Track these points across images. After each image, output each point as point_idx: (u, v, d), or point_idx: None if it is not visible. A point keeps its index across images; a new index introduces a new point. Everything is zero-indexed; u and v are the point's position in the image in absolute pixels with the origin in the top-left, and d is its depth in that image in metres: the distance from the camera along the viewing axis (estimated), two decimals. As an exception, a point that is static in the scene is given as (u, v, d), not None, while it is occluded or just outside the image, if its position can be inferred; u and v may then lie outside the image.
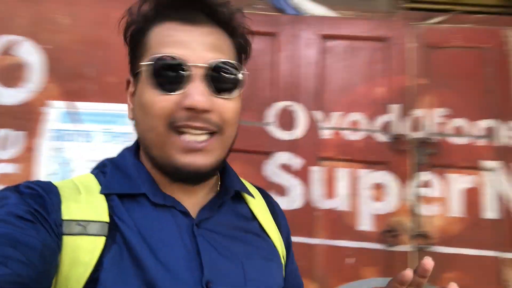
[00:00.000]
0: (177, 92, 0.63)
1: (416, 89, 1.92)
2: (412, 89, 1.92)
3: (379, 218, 1.84)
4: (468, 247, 1.82)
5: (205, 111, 0.63)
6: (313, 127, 1.90)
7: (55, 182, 0.67)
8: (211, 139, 0.65)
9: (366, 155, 1.86)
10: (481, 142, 1.89)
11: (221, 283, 0.64)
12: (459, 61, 1.94)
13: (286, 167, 1.87)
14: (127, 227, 0.63)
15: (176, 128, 0.63)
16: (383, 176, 1.86)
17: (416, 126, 1.89)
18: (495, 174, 1.87)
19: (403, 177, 1.85)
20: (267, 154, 1.89)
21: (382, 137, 1.88)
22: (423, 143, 1.87)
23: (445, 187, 1.87)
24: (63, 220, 0.60)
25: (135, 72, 0.69)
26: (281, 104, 1.92)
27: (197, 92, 0.62)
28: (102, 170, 0.72)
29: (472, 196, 1.86)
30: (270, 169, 1.87)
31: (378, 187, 1.85)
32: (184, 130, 0.63)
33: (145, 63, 0.64)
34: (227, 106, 0.66)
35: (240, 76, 0.68)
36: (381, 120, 1.90)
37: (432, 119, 1.91)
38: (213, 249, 0.67)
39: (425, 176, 1.87)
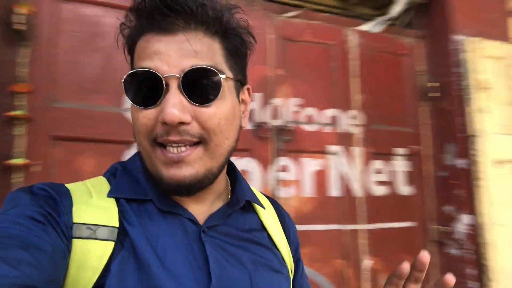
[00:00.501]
0: (154, 106, 0.61)
1: (274, 79, 2.02)
2: (271, 79, 2.01)
3: (244, 203, 1.89)
4: (318, 223, 2.03)
5: (181, 123, 0.61)
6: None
7: (67, 185, 0.67)
8: (194, 149, 0.63)
9: (231, 143, 1.87)
10: (327, 129, 2.12)
11: None
12: (310, 55, 2.12)
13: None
14: (136, 232, 0.62)
15: (159, 143, 0.63)
16: (248, 163, 1.90)
17: (275, 114, 2.00)
18: (337, 157, 2.13)
19: (265, 162, 1.94)
20: (127, 143, 1.71)
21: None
22: (281, 130, 1.99)
23: (299, 171, 2.03)
24: (73, 223, 0.60)
25: None
26: (141, 89, 1.76)
27: (169, 105, 0.60)
28: (114, 173, 0.71)
29: (320, 178, 2.08)
30: (131, 160, 1.71)
31: (243, 173, 1.89)
32: (167, 144, 0.62)
33: (122, 80, 0.63)
34: (208, 114, 0.63)
35: (219, 80, 0.63)
36: (244, 108, 1.93)
37: (288, 108, 2.04)
38: (221, 256, 0.67)
39: (283, 161, 1.99)
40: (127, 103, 1.72)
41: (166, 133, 0.61)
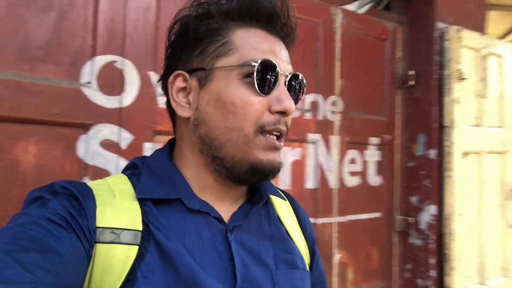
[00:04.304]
0: (269, 95, 0.67)
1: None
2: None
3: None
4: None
5: (288, 115, 0.69)
6: (146, 92, 1.49)
7: (89, 184, 0.66)
8: (282, 139, 0.70)
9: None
10: (308, 116, 1.95)
11: None
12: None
13: (109, 144, 1.42)
14: (163, 233, 0.63)
15: (264, 131, 0.67)
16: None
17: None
18: (315, 146, 1.98)
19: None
20: (83, 127, 1.38)
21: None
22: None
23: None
24: (97, 227, 0.60)
25: (198, 67, 0.70)
26: (102, 59, 1.41)
27: (288, 97, 0.68)
28: (135, 172, 0.72)
29: (298, 168, 1.92)
30: (87, 148, 1.38)
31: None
32: (272, 133, 0.68)
33: (239, 64, 0.67)
34: (293, 111, 0.70)
35: (304, 87, 0.75)
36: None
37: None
38: (245, 256, 0.69)
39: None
40: (84, 76, 1.38)
41: (277, 122, 0.67)
